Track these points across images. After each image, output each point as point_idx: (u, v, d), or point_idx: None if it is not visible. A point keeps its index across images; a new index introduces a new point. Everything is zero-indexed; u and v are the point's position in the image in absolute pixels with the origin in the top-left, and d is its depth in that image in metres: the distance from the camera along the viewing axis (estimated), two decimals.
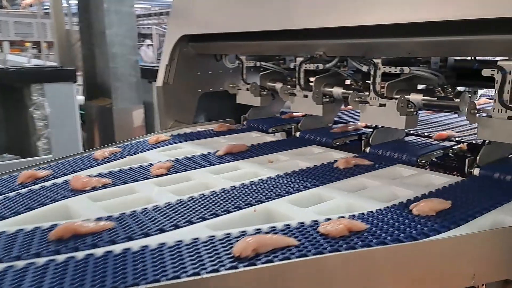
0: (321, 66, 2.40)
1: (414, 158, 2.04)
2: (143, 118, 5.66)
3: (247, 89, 2.92)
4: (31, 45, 12.46)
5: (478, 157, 1.74)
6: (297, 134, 2.67)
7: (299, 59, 2.54)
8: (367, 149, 2.25)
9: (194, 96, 2.98)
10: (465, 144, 2.23)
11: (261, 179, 1.72)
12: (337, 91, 2.53)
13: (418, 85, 2.29)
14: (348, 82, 2.67)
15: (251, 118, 3.04)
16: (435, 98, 2.04)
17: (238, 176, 1.76)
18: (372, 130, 2.52)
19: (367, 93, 2.21)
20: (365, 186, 1.67)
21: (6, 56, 8.07)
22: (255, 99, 2.88)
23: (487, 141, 1.77)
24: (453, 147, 2.20)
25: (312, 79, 2.65)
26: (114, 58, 5.35)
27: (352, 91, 2.31)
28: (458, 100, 1.99)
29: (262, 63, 2.74)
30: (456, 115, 2.75)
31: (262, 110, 2.89)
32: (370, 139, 2.26)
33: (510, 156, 1.85)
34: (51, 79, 4.66)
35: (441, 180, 1.68)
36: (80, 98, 5.78)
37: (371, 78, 2.14)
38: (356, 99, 2.24)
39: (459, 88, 2.02)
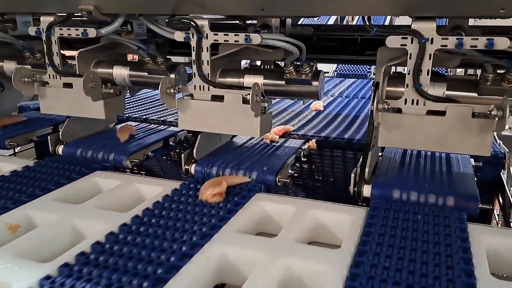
0: (92, 33, 1.35)
1: (270, 177, 1.32)
2: None
3: None
4: None
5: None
6: (60, 149, 1.56)
7: (47, 19, 1.40)
8: (192, 168, 1.40)
9: None
10: (314, 140, 1.65)
11: None
12: (121, 72, 1.55)
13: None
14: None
15: None
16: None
17: None
18: (187, 131, 1.71)
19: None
20: None
21: None
22: None
23: None
24: (302, 148, 1.59)
25: (69, 53, 1.65)
26: None
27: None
28: (317, 83, 1.36)
29: None
30: None
31: None
32: (194, 151, 1.40)
33: None
34: None
35: None
36: None
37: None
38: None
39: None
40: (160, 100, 2.48)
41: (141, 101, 2.49)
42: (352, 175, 1.23)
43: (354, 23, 4.37)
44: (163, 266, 0.87)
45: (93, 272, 0.84)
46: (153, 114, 2.17)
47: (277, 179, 1.32)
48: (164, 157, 2.14)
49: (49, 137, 1.56)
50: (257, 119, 1.23)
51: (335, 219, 1.09)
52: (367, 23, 1.08)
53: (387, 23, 3.94)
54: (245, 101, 1.24)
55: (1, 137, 1.67)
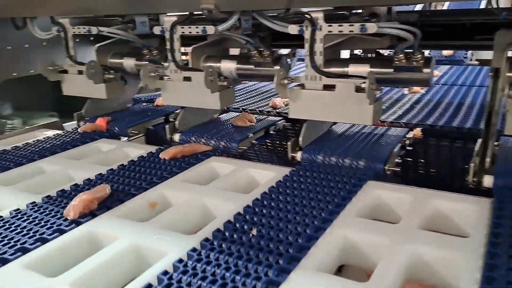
0: (211, 30, 1.45)
1: (380, 165, 1.33)
2: None
3: (80, 72, 1.80)
4: None
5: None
6: (176, 137, 1.71)
7: (170, 19, 1.53)
8: (298, 155, 1.46)
9: None
10: (420, 129, 1.63)
11: None
12: (229, 66, 1.64)
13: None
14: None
15: (90, 115, 2.01)
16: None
17: None
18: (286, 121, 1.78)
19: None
20: None
21: None
22: (97, 88, 1.80)
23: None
24: (407, 136, 1.58)
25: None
26: None
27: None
28: (429, 70, 1.34)
29: (100, 28, 1.62)
30: None
31: (104, 101, 2.03)
32: (300, 138, 1.46)
33: None
34: None
35: None
36: None
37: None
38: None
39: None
40: (253, 92, 2.58)
41: (236, 92, 2.60)
42: (471, 165, 1.21)
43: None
44: (293, 246, 0.93)
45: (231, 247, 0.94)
46: (250, 105, 2.26)
47: (386, 167, 1.34)
48: (261, 145, 2.22)
49: (167, 126, 1.71)
50: (371, 107, 1.25)
51: (456, 209, 1.08)
52: (496, 6, 1.05)
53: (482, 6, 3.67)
54: (358, 89, 1.27)
55: (123, 126, 1.87)
